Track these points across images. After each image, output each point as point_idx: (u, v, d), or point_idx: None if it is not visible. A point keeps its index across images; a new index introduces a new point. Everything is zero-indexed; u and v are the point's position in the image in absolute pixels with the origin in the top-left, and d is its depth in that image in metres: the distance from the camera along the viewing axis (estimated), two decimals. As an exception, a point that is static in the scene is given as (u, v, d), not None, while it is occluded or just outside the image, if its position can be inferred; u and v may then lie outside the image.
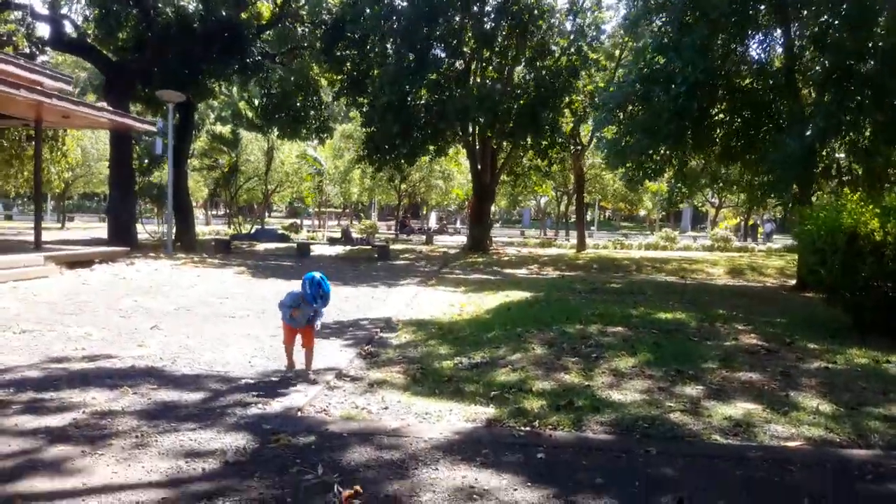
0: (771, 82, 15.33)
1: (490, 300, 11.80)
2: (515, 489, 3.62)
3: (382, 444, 4.27)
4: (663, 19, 15.64)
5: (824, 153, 13.97)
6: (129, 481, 3.59)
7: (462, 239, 37.50)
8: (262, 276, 15.53)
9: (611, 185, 44.68)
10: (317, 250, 24.56)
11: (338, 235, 27.47)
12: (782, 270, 22.17)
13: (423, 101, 23.55)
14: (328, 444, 4.25)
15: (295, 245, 24.29)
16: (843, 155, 14.50)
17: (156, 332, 7.97)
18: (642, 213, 67.48)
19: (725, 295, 14.10)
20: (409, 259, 23.41)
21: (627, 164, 15.80)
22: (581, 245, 30.02)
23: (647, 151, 14.80)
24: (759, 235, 50.63)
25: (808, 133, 12.58)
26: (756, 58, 16.05)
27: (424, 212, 61.93)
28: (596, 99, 22.28)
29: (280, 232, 27.96)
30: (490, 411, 5.08)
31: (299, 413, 4.93)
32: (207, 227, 46.40)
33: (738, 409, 5.25)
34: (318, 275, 5.76)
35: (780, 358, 7.06)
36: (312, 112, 25.27)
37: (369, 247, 24.46)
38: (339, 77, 25.37)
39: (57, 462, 3.84)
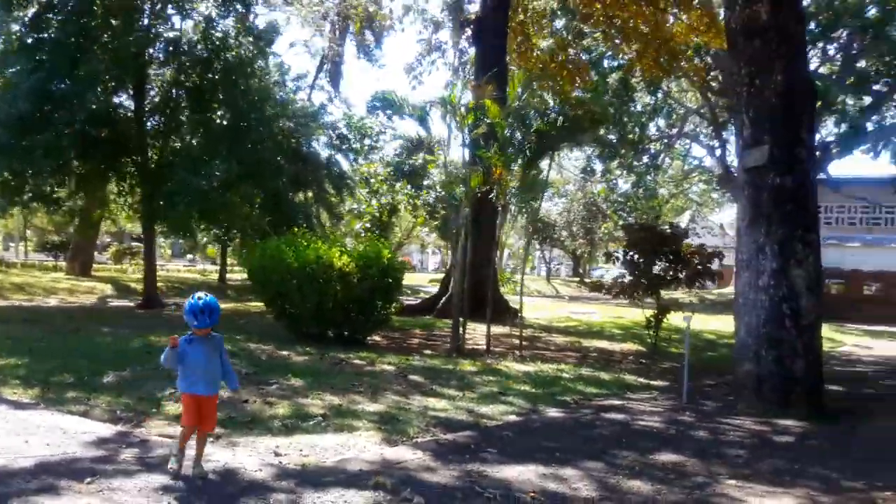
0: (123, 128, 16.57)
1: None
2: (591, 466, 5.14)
3: (440, 469, 4.90)
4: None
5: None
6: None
7: None
8: None
9: None
10: None
11: None
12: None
13: None
14: (412, 478, 4.59)
15: None
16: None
17: None
18: None
19: (92, 315, 14.69)
20: None
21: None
22: None
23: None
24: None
25: (219, 174, 14.87)
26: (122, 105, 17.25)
27: None
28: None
29: None
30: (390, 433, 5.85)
31: (309, 465, 4.84)
32: None
33: (455, 403, 7.24)
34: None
35: (359, 365, 9.13)
36: None
37: None
38: None
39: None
